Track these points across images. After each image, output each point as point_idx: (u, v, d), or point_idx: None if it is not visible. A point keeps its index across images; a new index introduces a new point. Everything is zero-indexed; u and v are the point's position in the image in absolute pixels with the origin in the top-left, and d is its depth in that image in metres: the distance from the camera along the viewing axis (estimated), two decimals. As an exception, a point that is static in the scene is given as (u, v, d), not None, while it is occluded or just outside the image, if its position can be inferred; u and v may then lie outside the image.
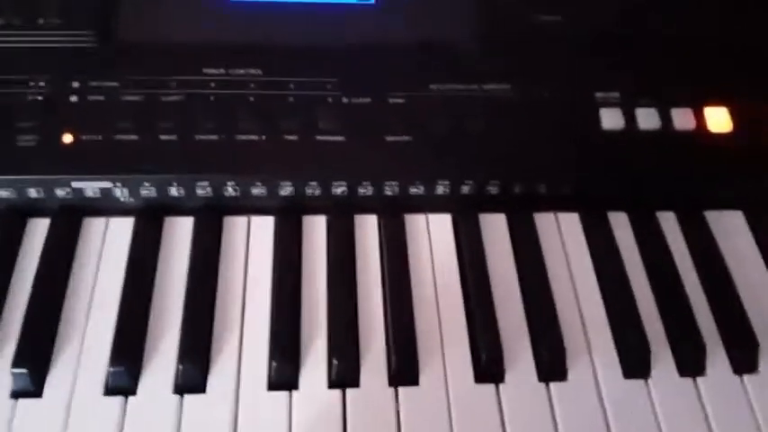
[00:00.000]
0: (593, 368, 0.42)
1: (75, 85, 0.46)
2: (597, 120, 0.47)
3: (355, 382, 0.41)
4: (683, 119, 0.47)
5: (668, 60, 0.49)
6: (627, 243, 0.47)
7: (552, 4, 0.51)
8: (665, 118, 0.47)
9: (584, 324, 0.44)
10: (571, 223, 0.48)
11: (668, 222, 0.48)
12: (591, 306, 0.45)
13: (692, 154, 0.47)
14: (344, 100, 0.47)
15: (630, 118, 0.47)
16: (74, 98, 0.46)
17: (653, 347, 0.42)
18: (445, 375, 0.41)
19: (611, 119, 0.47)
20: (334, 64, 0.48)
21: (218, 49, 0.48)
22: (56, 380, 0.40)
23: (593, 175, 0.47)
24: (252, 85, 0.47)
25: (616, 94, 0.48)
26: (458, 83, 0.48)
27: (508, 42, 0.50)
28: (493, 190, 0.47)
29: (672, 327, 0.44)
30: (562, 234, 0.47)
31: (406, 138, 0.46)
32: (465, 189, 0.47)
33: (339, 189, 0.46)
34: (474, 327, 0.43)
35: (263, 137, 0.46)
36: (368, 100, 0.47)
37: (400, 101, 0.47)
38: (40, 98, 0.46)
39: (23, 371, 0.40)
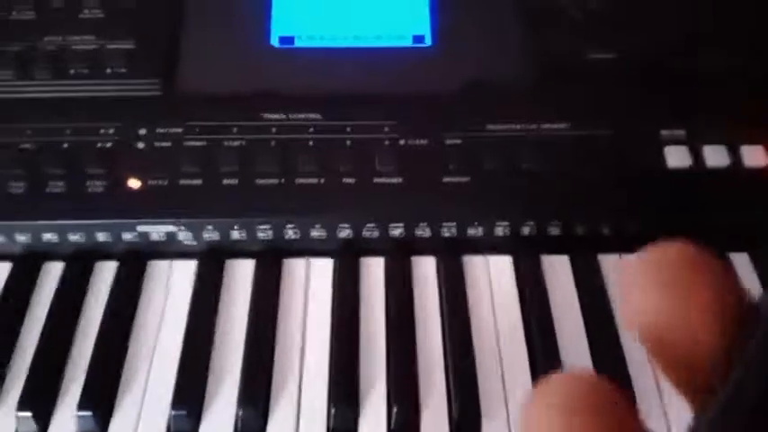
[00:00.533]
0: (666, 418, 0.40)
1: (142, 132, 0.48)
2: (662, 158, 0.46)
3: (415, 429, 0.40)
4: (753, 156, 0.46)
5: (737, 95, 0.48)
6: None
7: (607, 42, 0.50)
8: (735, 155, 0.46)
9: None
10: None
11: (741, 263, 0.46)
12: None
13: (764, 192, 0.45)
14: (401, 142, 0.47)
15: (697, 156, 0.46)
16: (140, 145, 0.48)
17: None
18: (508, 424, 0.40)
19: (676, 157, 0.46)
20: (390, 106, 0.48)
21: (277, 95, 0.49)
22: (119, 423, 0.41)
23: (659, 214, 0.46)
24: (311, 130, 0.47)
25: (682, 132, 0.47)
26: (515, 123, 0.48)
27: (564, 81, 0.50)
28: (554, 231, 0.46)
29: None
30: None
31: (463, 179, 0.46)
32: (525, 230, 0.46)
33: (396, 231, 0.46)
34: (537, 373, 0.42)
35: (322, 180, 0.46)
36: (425, 141, 0.47)
37: (457, 141, 0.47)
38: (108, 145, 0.48)
39: (88, 413, 0.41)
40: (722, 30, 0.50)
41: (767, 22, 0.50)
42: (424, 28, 0.51)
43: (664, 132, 0.47)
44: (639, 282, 0.14)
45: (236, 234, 0.47)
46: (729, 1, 0.51)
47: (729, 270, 0.14)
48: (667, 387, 0.42)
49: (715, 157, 0.46)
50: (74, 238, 0.47)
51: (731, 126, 0.47)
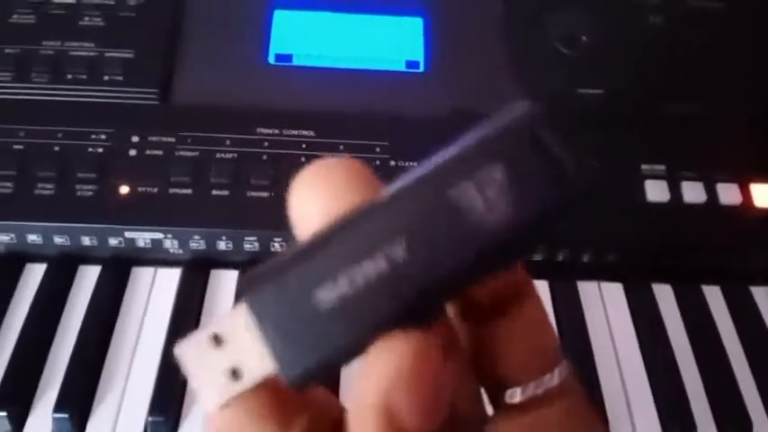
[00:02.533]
0: (637, 443, 0.41)
1: (135, 139, 0.48)
2: (642, 192, 0.47)
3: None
4: (728, 193, 0.47)
5: (714, 135, 0.50)
6: (672, 316, 0.47)
7: (594, 79, 0.52)
8: (711, 192, 0.47)
9: (627, 398, 0.43)
10: (615, 293, 0.48)
11: (714, 297, 0.48)
12: (634, 379, 0.44)
13: (737, 229, 0.47)
14: (392, 163, 0.48)
15: (676, 191, 0.47)
16: (132, 152, 0.48)
17: (699, 426, 0.41)
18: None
19: (656, 191, 0.47)
20: (383, 128, 0.49)
21: (272, 111, 0.49)
22: (96, 426, 0.41)
23: (637, 246, 0.47)
24: (303, 146, 0.48)
25: (662, 168, 0.48)
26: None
27: (552, 112, 0.51)
28: (536, 257, 0.47)
29: (718, 406, 0.43)
30: (605, 304, 0.47)
31: (450, 202, 0.47)
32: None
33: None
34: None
35: (312, 195, 0.47)
36: (415, 164, 0.48)
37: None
38: (100, 150, 0.48)
39: (65, 415, 0.40)
40: (704, 74, 0.52)
41: (746, 70, 0.53)
42: (418, 54, 0.53)
43: (644, 167, 0.48)
44: (306, 187, 0.15)
45: (222, 245, 0.47)
46: (710, 49, 0.53)
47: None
48: (635, 395, 0.42)
49: (692, 193, 0.47)
50: (59, 240, 0.47)
51: (708, 164, 0.49)
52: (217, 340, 0.15)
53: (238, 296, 0.15)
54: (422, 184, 0.14)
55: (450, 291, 0.15)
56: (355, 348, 0.14)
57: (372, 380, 0.14)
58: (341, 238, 0.14)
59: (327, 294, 0.14)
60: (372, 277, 0.14)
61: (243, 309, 0.15)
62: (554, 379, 0.17)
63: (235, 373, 0.15)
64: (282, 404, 0.15)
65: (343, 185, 0.15)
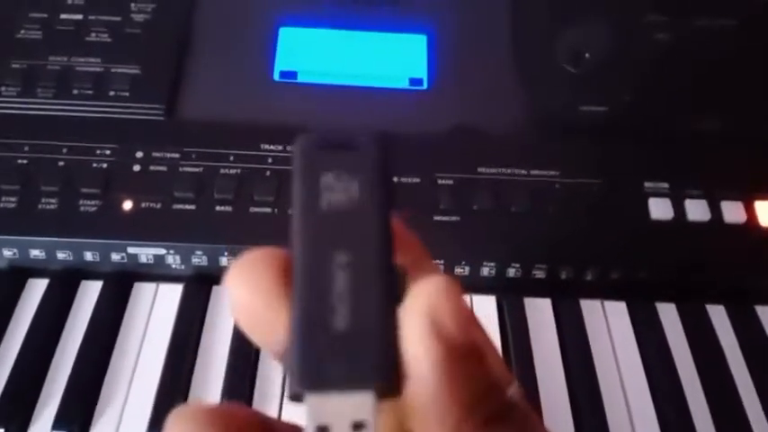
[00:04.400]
0: None
1: (139, 155, 0.49)
2: (646, 209, 0.47)
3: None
4: (733, 212, 0.47)
5: (719, 153, 0.50)
6: (675, 335, 0.46)
7: (598, 96, 0.52)
8: (715, 210, 0.47)
9: (631, 417, 0.43)
10: (618, 312, 0.47)
11: (718, 316, 0.47)
12: (638, 399, 0.43)
13: (741, 247, 0.47)
14: (395, 179, 0.48)
15: (680, 209, 0.47)
16: (136, 167, 0.48)
17: (704, 446, 0.41)
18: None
19: (659, 209, 0.47)
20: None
21: (277, 127, 0.50)
22: (95, 443, 0.40)
23: (641, 264, 0.47)
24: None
25: (665, 185, 0.48)
26: (505, 167, 0.49)
27: (556, 130, 0.51)
28: (539, 274, 0.47)
29: (722, 426, 0.42)
30: (608, 322, 0.47)
31: (453, 218, 0.47)
32: (511, 272, 0.47)
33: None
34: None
35: (315, 212, 0.47)
36: (417, 180, 0.48)
37: (449, 182, 0.48)
38: (104, 165, 0.48)
39: (64, 432, 0.40)
40: (708, 92, 0.52)
41: (750, 88, 0.53)
42: (422, 72, 0.53)
43: (648, 185, 0.48)
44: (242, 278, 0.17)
45: (225, 260, 0.47)
46: (714, 67, 0.53)
47: None
48: (638, 416, 0.42)
49: (696, 211, 0.47)
50: (61, 255, 0.47)
51: (713, 182, 0.48)
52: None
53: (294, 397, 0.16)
54: (303, 218, 0.17)
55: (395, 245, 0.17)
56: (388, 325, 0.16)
57: (420, 296, 0.16)
58: (309, 280, 0.16)
59: (336, 321, 0.16)
60: (348, 284, 0.16)
61: (307, 397, 0.16)
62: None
63: (357, 427, 0.16)
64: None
65: (260, 278, 0.17)
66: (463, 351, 0.16)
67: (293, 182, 0.18)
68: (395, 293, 0.16)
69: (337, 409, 0.15)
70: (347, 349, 0.16)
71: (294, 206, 0.17)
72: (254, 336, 0.17)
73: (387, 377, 0.16)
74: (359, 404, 0.15)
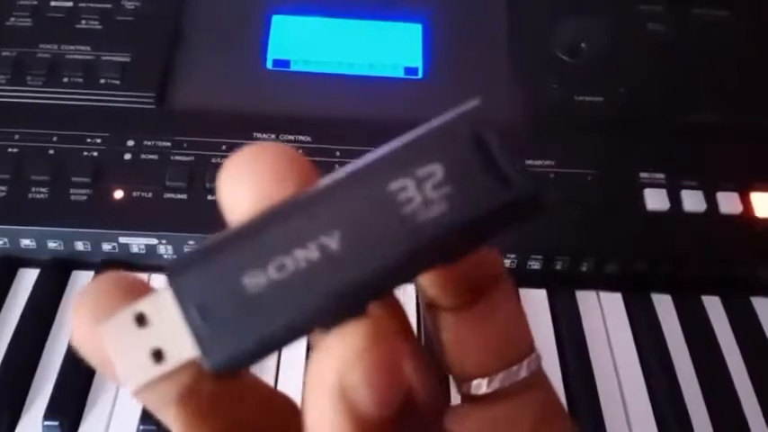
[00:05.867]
0: None
1: (130, 143, 0.48)
2: (642, 200, 0.47)
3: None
4: (729, 203, 0.47)
5: (715, 144, 0.50)
6: (671, 327, 0.46)
7: (594, 87, 0.51)
8: (711, 201, 0.47)
9: (626, 408, 0.42)
10: (613, 303, 0.47)
11: (714, 307, 0.47)
12: (633, 391, 0.43)
13: (737, 238, 0.47)
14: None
15: (676, 200, 0.47)
16: (127, 156, 0.48)
17: (698, 438, 0.41)
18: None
19: (655, 200, 0.47)
20: (380, 134, 0.49)
21: (269, 116, 0.49)
22: (86, 435, 0.40)
23: (637, 255, 0.47)
24: (300, 151, 0.48)
25: (661, 176, 0.48)
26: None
27: (551, 120, 0.51)
28: (534, 265, 0.47)
29: (717, 417, 0.42)
30: (604, 313, 0.47)
31: (448, 209, 0.46)
32: (506, 263, 0.47)
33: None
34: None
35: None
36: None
37: (443, 172, 0.48)
38: (95, 154, 0.47)
39: (54, 423, 0.40)
40: (704, 82, 0.52)
41: (747, 79, 0.52)
42: (417, 61, 0.52)
43: (643, 175, 0.48)
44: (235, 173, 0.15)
45: (217, 250, 0.46)
46: (711, 57, 0.53)
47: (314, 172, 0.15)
48: (633, 407, 0.42)
49: (692, 201, 0.47)
50: (52, 245, 0.46)
51: (708, 173, 0.48)
52: (141, 320, 0.14)
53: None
54: (360, 177, 0.14)
55: (386, 283, 0.15)
56: (281, 335, 0.14)
57: (328, 363, 0.13)
58: (273, 225, 0.14)
59: (256, 280, 0.14)
60: (304, 266, 0.14)
61: (167, 290, 0.14)
62: (522, 371, 0.17)
63: (157, 356, 0.14)
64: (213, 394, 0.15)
65: (275, 174, 0.14)
66: (383, 422, 0.14)
67: (412, 131, 0.15)
68: (332, 321, 0.14)
69: (169, 324, 0.14)
70: (226, 302, 0.14)
71: (374, 153, 0.14)
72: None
73: (220, 367, 0.14)
74: (182, 344, 0.14)
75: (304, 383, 0.14)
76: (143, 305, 0.14)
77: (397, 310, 0.18)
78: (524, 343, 0.17)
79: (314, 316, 0.14)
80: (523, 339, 0.17)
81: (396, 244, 0.14)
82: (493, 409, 0.17)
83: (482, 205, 0.14)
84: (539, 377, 0.17)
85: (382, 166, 0.14)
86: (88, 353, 0.15)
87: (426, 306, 0.17)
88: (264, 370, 0.42)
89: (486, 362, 0.17)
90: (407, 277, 0.15)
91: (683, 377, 0.44)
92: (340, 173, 0.14)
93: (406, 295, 0.18)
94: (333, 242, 0.14)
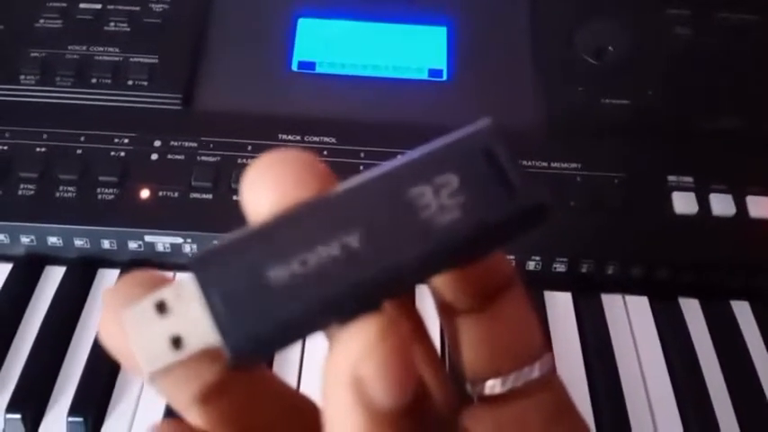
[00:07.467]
0: None
1: (157, 143, 0.48)
2: (670, 203, 0.47)
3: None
4: (758, 206, 0.46)
5: (744, 147, 0.49)
6: (699, 332, 0.45)
7: (621, 90, 0.51)
8: (740, 205, 0.46)
9: (652, 413, 0.42)
10: (640, 307, 0.46)
11: (743, 313, 0.47)
12: (659, 396, 0.43)
13: (767, 242, 0.46)
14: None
15: (704, 203, 0.46)
16: (154, 156, 0.48)
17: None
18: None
19: (684, 203, 0.46)
20: (404, 135, 0.49)
21: (294, 118, 0.49)
22: (110, 431, 0.40)
23: (664, 259, 0.46)
24: (325, 152, 0.48)
25: (689, 179, 0.47)
26: (525, 159, 0.48)
27: (577, 123, 0.51)
28: (560, 267, 0.46)
29: (746, 423, 0.42)
30: (630, 317, 0.46)
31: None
32: (531, 265, 0.46)
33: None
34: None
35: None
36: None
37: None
38: (122, 154, 0.48)
39: (79, 419, 0.40)
40: (732, 86, 0.51)
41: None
42: (442, 63, 0.52)
43: (671, 178, 0.47)
44: (258, 178, 0.15)
45: (242, 250, 0.46)
46: (738, 61, 0.52)
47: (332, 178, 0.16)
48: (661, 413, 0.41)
49: (721, 205, 0.46)
50: (79, 243, 0.47)
51: (737, 177, 0.48)
52: (162, 308, 0.15)
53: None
54: (382, 182, 0.15)
55: (401, 281, 0.15)
56: (300, 324, 0.15)
57: (343, 355, 0.14)
58: (296, 222, 0.15)
59: (278, 272, 0.14)
60: (326, 262, 0.14)
61: (190, 279, 0.15)
62: (534, 372, 0.17)
63: (176, 342, 0.15)
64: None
65: (294, 178, 0.15)
66: (397, 415, 0.14)
67: (432, 143, 0.16)
68: (348, 314, 0.14)
69: (191, 311, 0.14)
70: (247, 292, 0.14)
71: (395, 161, 0.15)
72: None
73: (240, 354, 0.14)
74: (203, 331, 0.14)
75: (322, 378, 0.14)
76: (165, 293, 0.15)
77: (412, 312, 0.18)
78: (536, 344, 0.18)
79: (332, 307, 0.14)
80: (535, 340, 0.18)
81: (412, 245, 0.15)
82: (507, 409, 0.17)
83: (492, 213, 0.15)
84: (552, 377, 0.18)
85: (403, 172, 0.15)
86: (113, 347, 0.15)
87: (441, 309, 0.18)
88: (288, 371, 0.42)
89: (499, 363, 0.17)
90: (421, 277, 0.16)
91: (710, 384, 0.43)
92: (361, 177, 0.15)
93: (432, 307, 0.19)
94: (354, 240, 0.15)
